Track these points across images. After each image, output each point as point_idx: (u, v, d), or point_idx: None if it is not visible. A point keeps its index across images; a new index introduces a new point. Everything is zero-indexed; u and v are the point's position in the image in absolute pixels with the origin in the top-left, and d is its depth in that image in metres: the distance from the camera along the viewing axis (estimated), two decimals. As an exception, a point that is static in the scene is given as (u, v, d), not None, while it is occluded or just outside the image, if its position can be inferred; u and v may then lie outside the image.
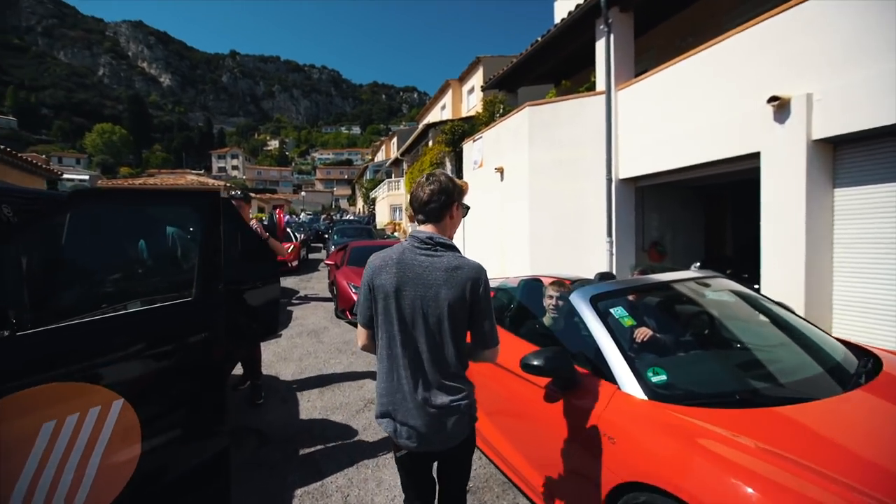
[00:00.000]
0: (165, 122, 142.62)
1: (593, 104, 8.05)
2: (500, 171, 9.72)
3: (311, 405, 3.64)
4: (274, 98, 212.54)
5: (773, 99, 4.95)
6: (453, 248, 1.61)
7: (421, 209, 1.63)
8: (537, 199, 8.58)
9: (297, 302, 8.22)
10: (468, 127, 13.17)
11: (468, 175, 12.02)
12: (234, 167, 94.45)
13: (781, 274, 4.87)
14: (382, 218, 27.97)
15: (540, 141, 8.51)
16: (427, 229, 1.62)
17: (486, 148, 10.76)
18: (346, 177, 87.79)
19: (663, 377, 1.86)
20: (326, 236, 15.33)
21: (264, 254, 3.37)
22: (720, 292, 2.81)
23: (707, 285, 2.77)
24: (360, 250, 8.02)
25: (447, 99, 25.82)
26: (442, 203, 1.60)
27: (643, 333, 2.27)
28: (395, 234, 23.15)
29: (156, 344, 1.86)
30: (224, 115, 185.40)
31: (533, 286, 3.05)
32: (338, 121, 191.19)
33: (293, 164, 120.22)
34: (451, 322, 1.51)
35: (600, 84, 8.08)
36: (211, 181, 22.77)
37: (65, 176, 22.53)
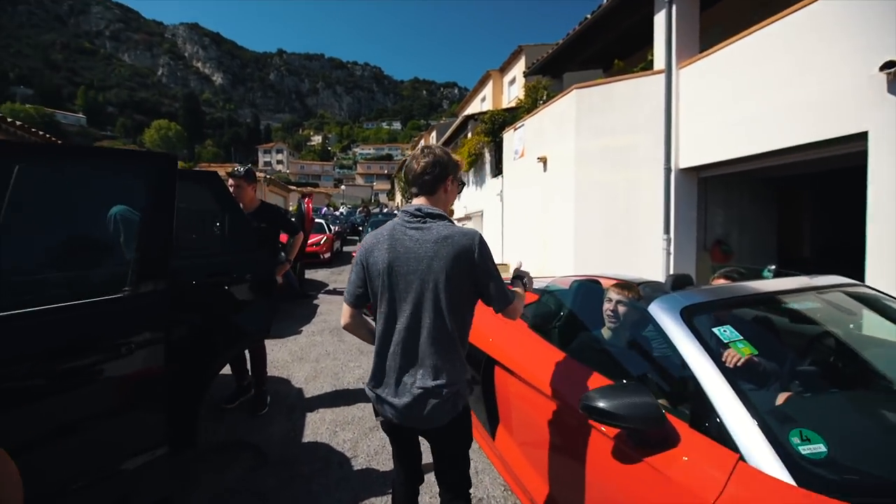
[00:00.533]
0: (217, 118, 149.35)
1: (650, 85, 7.17)
2: (543, 160, 8.98)
3: (320, 418, 3.17)
4: (318, 95, 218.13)
5: (888, 65, 4.01)
6: (443, 218, 1.55)
7: (414, 181, 1.58)
8: (584, 191, 7.79)
9: (324, 294, 7.87)
10: (509, 116, 12.43)
11: (508, 166, 11.32)
12: (279, 161, 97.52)
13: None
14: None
15: (588, 127, 7.71)
16: (418, 202, 1.58)
17: (527, 137, 10.03)
18: (385, 171, 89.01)
19: (820, 447, 1.13)
20: (361, 229, 15.07)
21: (255, 241, 2.79)
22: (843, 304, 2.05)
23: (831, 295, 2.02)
24: None
25: (487, 90, 25.05)
26: (436, 175, 1.57)
27: (734, 357, 1.56)
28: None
29: (54, 356, 1.38)
30: (271, 112, 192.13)
31: (590, 289, 2.38)
32: (379, 116, 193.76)
33: (335, 159, 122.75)
34: (448, 295, 1.45)
35: (659, 62, 7.18)
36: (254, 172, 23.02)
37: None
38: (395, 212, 30.95)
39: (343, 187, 79.65)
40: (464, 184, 1.77)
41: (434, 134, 39.30)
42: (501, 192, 11.70)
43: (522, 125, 10.29)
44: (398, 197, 45.68)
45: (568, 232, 8.09)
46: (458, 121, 22.14)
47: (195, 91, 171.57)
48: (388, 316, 1.50)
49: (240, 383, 3.44)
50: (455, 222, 1.58)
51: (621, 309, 2.09)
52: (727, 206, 7.54)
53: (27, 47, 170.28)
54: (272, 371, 3.99)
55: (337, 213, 23.47)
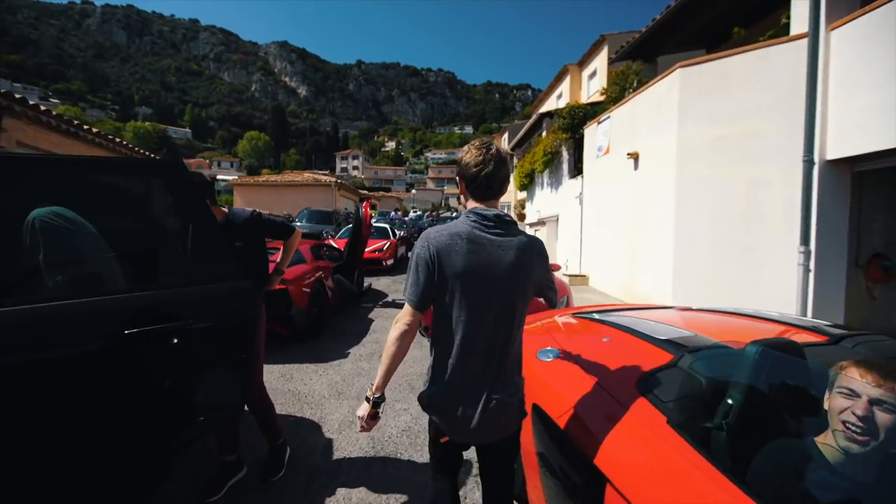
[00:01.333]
0: (300, 128, 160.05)
1: (783, 55, 5.66)
2: (634, 157, 7.68)
3: (346, 496, 2.36)
4: (393, 102, 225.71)
5: None
6: (516, 224, 1.50)
7: (490, 183, 1.44)
8: (688, 192, 6.42)
9: (381, 308, 7.26)
10: (591, 110, 11.15)
11: (590, 165, 10.04)
12: (355, 167, 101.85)
13: None
14: (488, 216, 26.71)
15: (695, 113, 6.34)
16: (487, 206, 1.47)
17: (614, 130, 8.74)
18: (456, 176, 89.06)
19: None
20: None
21: (232, 265, 1.86)
22: None
23: None
24: None
25: (564, 86, 23.52)
26: (504, 175, 1.47)
27: None
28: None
29: None
30: (349, 120, 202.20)
31: (788, 364, 1.33)
32: (451, 121, 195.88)
33: (407, 164, 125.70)
34: (524, 303, 1.46)
35: (798, 25, 5.66)
36: (324, 177, 23.70)
37: (218, 177, 25.75)
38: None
39: (414, 191, 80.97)
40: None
41: (506, 136, 38.19)
42: (581, 194, 10.44)
43: (608, 117, 9.00)
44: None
45: (665, 241, 6.74)
46: (532, 119, 20.92)
47: (282, 103, 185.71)
48: (467, 325, 1.39)
49: (224, 458, 2.42)
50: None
51: (883, 417, 1.05)
52: (891, 210, 5.78)
53: (149, 72, 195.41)
54: (304, 410, 3.33)
55: (406, 217, 23.25)
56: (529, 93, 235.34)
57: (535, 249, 1.46)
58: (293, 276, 5.01)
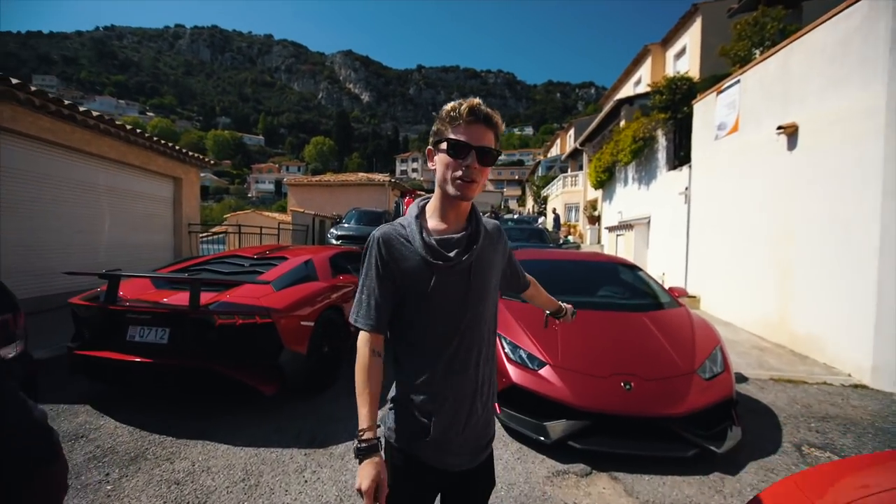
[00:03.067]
0: (363, 132, 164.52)
1: None
2: (790, 131, 5.31)
3: None
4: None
5: None
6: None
7: None
8: (909, 178, 4.03)
9: None
10: (699, 84, 8.73)
11: (704, 150, 7.64)
12: (414, 170, 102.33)
13: None
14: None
15: (927, 51, 3.95)
16: None
17: (746, 99, 6.36)
18: (516, 177, 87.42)
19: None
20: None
21: None
22: None
23: None
24: (528, 266, 4.85)
25: (644, 70, 20.66)
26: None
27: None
28: (570, 238, 19.25)
29: None
30: (409, 124, 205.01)
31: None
32: (511, 122, 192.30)
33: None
34: (494, 296, 1.25)
35: None
36: (378, 176, 22.60)
37: (285, 180, 25.72)
38: (526, 217, 28.03)
39: (473, 193, 79.09)
40: (453, 141, 1.10)
41: (572, 132, 35.32)
42: (687, 188, 8.05)
43: (735, 82, 6.61)
44: (529, 202, 42.52)
45: (861, 256, 4.37)
46: (607, 107, 18.34)
47: (346, 110, 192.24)
48: (443, 335, 1.14)
49: None
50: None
51: None
52: None
53: (228, 85, 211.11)
54: None
55: None
56: (593, 91, 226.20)
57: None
58: (286, 302, 3.37)
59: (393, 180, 22.71)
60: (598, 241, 17.40)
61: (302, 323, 3.44)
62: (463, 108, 1.10)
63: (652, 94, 9.53)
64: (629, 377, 2.89)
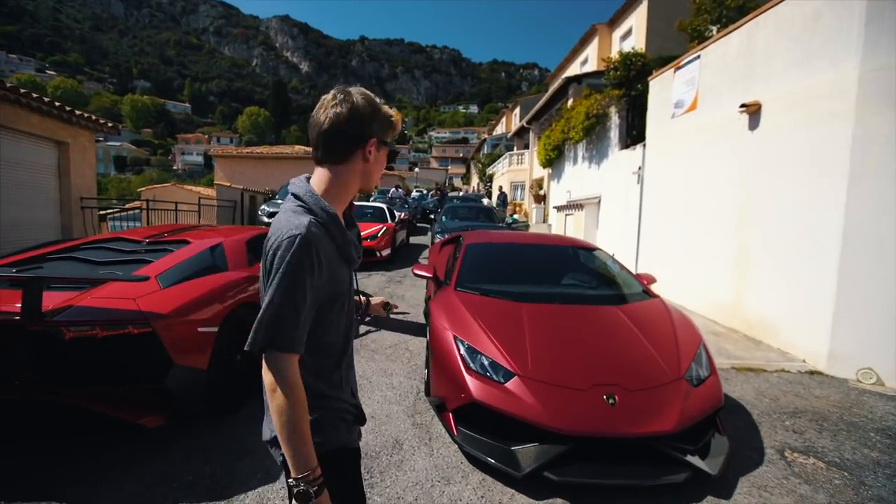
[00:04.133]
0: (302, 104, 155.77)
1: None
2: (752, 110, 5.09)
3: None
4: (397, 79, 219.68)
5: None
6: (304, 203, 1.07)
7: (317, 141, 1.08)
8: (875, 161, 3.88)
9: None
10: (653, 60, 8.49)
11: (659, 130, 7.42)
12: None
13: None
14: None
15: (903, 25, 3.74)
16: (308, 179, 1.14)
17: (707, 76, 6.11)
18: (461, 155, 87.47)
19: None
20: (433, 217, 11.93)
21: None
22: None
23: None
24: (482, 251, 4.22)
25: (591, 50, 20.63)
26: (350, 135, 1.07)
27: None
28: (516, 216, 19.09)
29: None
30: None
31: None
32: (456, 100, 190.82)
33: (410, 143, 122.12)
34: None
35: None
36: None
37: (210, 151, 23.24)
38: (472, 195, 27.58)
39: (417, 170, 78.09)
40: (397, 152, 1.29)
41: (518, 110, 35.14)
42: (640, 168, 7.85)
43: (694, 58, 6.35)
44: (474, 180, 42.23)
45: (818, 242, 4.24)
46: (555, 85, 18.10)
47: (283, 79, 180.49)
48: (346, 330, 1.18)
49: None
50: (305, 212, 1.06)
51: None
52: None
53: (147, 45, 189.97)
54: None
55: (400, 195, 20.34)
56: (536, 72, 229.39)
57: (271, 236, 1.09)
58: (175, 303, 2.55)
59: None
60: (545, 221, 17.37)
61: (200, 329, 2.63)
62: (399, 121, 1.17)
63: (606, 70, 9.20)
64: (611, 388, 2.42)
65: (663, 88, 7.21)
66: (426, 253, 10.73)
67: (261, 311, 0.97)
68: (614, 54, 8.97)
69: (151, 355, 2.37)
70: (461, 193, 31.70)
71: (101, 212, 13.42)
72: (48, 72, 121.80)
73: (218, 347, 2.74)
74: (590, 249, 4.38)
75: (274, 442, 1.02)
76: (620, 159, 8.94)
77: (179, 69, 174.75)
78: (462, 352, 2.71)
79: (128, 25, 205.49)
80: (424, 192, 33.69)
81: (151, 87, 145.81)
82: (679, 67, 6.73)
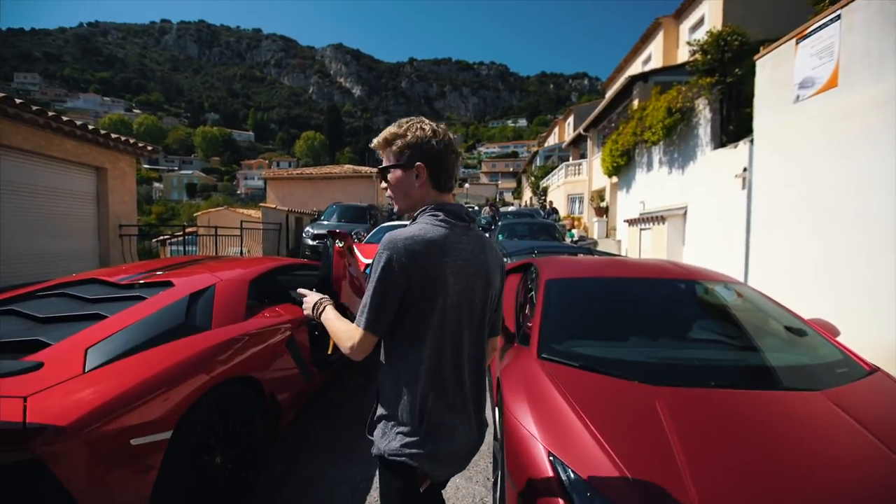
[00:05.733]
0: (355, 127, 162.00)
1: None
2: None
3: None
4: (445, 98, 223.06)
5: None
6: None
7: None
8: None
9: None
10: (752, 37, 6.95)
11: (776, 119, 5.86)
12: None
13: None
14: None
15: None
16: (450, 199, 1.26)
17: (854, 40, 4.58)
18: (511, 169, 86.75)
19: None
20: (488, 235, 10.78)
21: None
22: None
23: None
24: (570, 290, 2.83)
25: (654, 46, 18.88)
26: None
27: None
28: (574, 232, 17.49)
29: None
30: (402, 117, 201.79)
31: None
32: (504, 115, 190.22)
33: (461, 159, 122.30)
34: (490, 316, 1.28)
35: None
36: (365, 168, 20.76)
37: (262, 174, 23.83)
38: (526, 209, 26.07)
39: (467, 186, 77.64)
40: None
41: (572, 119, 33.51)
42: (748, 169, 6.29)
43: (833, 18, 4.84)
44: (527, 194, 40.66)
45: None
46: (618, 84, 16.51)
47: (337, 104, 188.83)
48: (443, 345, 1.17)
49: None
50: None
51: None
52: None
53: (217, 81, 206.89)
54: None
55: None
56: (586, 82, 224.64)
57: (496, 253, 1.28)
58: (93, 401, 1.56)
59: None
60: (607, 236, 15.69)
61: (136, 441, 1.64)
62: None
63: (691, 54, 7.69)
64: None
65: (779, 66, 5.68)
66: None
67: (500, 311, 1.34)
68: (707, 33, 7.44)
69: (37, 496, 1.40)
70: (512, 208, 30.35)
71: (157, 238, 13.66)
72: (135, 110, 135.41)
73: (171, 464, 1.74)
74: (724, 283, 3.01)
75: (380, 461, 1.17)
76: (714, 161, 7.37)
77: (244, 100, 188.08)
78: (567, 484, 1.52)
79: (200, 64, 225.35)
80: (476, 207, 32.72)
81: (220, 118, 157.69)
82: (803, 37, 5.22)
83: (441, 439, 1.15)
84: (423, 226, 1.14)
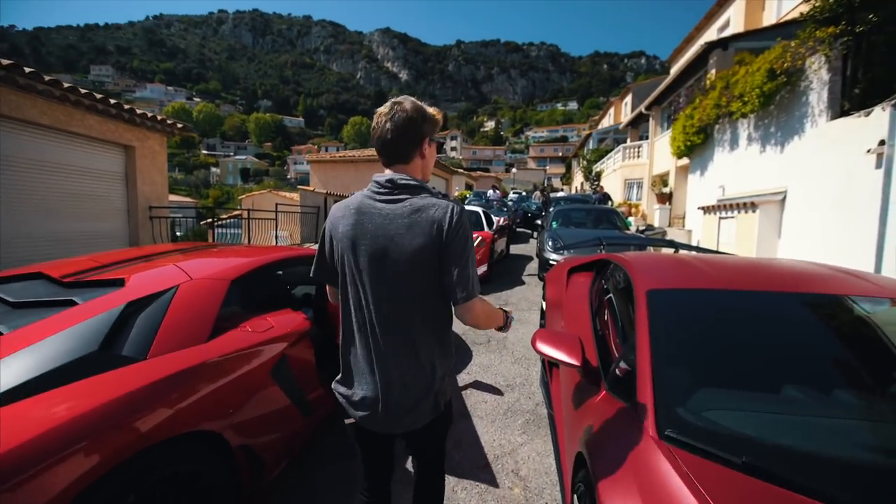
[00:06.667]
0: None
1: None
2: None
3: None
4: (492, 81, 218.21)
5: None
6: (422, 190, 1.29)
7: (383, 149, 1.31)
8: None
9: (472, 389, 2.99)
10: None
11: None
12: (453, 148, 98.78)
13: None
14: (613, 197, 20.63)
15: None
16: (389, 173, 1.32)
17: None
18: (559, 154, 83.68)
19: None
20: (539, 222, 9.59)
21: None
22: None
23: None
24: (687, 313, 1.84)
25: (733, 10, 16.69)
26: (409, 139, 1.29)
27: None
28: (630, 219, 15.91)
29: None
30: (448, 101, 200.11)
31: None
32: (554, 97, 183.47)
33: (507, 144, 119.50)
34: (420, 279, 1.25)
35: None
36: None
37: (306, 157, 23.79)
38: (578, 195, 24.34)
39: (514, 171, 75.59)
40: (442, 143, 1.53)
41: (629, 99, 31.05)
42: (891, 141, 4.87)
43: None
44: (577, 179, 38.55)
45: None
46: (689, 54, 14.59)
47: (384, 89, 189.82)
48: (356, 303, 1.29)
49: None
50: (438, 194, 1.30)
51: None
52: None
53: (270, 69, 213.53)
54: None
55: (496, 196, 17.95)
56: (643, 61, 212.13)
57: (431, 215, 1.22)
58: None
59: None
60: (670, 225, 14.07)
61: None
62: (441, 118, 1.37)
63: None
64: None
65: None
66: (531, 267, 8.56)
67: (469, 269, 1.24)
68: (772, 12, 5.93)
69: None
70: (561, 194, 28.64)
71: (209, 221, 13.64)
72: (195, 99, 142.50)
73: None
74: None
75: (437, 386, 1.31)
76: (832, 133, 5.90)
77: (295, 87, 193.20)
78: None
79: (254, 52, 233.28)
80: (523, 193, 31.25)
81: (272, 105, 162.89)
82: None
83: (350, 385, 1.33)
84: (357, 193, 1.34)
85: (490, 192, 17.63)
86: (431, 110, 1.33)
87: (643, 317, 1.79)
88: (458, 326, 4.85)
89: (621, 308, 2.33)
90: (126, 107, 6.39)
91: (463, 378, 3.67)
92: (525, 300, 6.19)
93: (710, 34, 17.98)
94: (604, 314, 2.58)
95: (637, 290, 2.00)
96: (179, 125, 7.63)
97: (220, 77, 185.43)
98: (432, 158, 1.38)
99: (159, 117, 7.13)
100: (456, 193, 23.67)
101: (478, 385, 3.53)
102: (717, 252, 4.20)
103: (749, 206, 7.38)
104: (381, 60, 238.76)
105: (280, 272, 2.89)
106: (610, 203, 18.24)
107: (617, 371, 1.77)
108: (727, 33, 16.08)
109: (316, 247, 1.50)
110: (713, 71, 11.72)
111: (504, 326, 1.47)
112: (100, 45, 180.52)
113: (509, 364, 3.96)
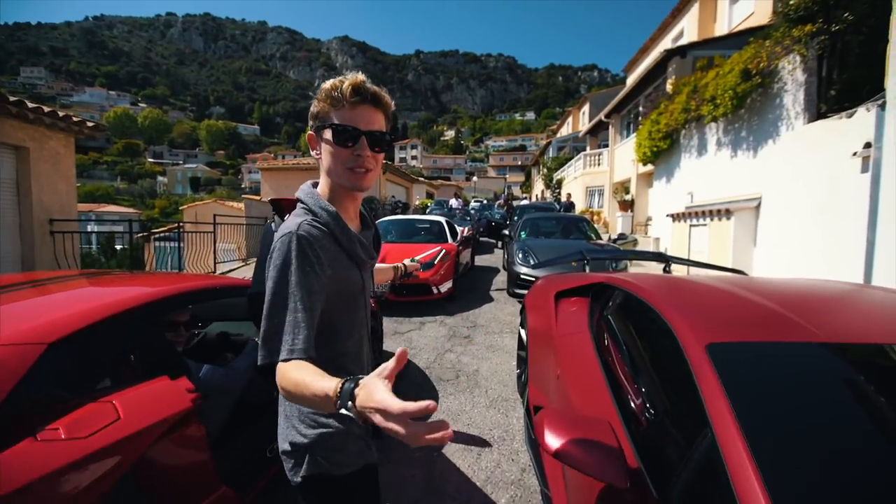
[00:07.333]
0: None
1: None
2: None
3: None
4: (452, 90, 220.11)
5: None
6: (305, 204, 1.04)
7: None
8: None
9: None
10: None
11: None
12: (413, 157, 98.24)
13: None
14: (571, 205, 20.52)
15: None
16: (315, 184, 1.13)
17: None
18: (518, 163, 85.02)
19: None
20: (507, 231, 9.05)
21: None
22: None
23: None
24: (778, 381, 1.19)
25: (688, 21, 17.03)
26: (313, 132, 1.04)
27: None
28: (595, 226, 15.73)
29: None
30: (408, 111, 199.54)
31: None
32: (512, 108, 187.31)
33: (467, 153, 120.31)
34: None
35: None
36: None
37: (255, 165, 22.30)
38: (543, 203, 24.17)
39: (475, 179, 75.95)
40: (343, 129, 0.97)
41: (587, 108, 31.55)
42: (877, 143, 4.58)
43: None
44: (537, 187, 38.75)
45: None
46: (648, 60, 14.62)
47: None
48: (358, 339, 1.11)
49: None
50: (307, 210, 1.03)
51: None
52: None
53: (222, 74, 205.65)
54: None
55: (458, 206, 17.34)
56: (596, 73, 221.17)
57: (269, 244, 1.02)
58: None
59: (388, 163, 19.20)
60: (632, 232, 13.96)
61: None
62: (346, 86, 0.95)
63: None
64: None
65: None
66: (498, 281, 7.92)
67: (262, 326, 0.91)
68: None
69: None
70: (524, 202, 28.51)
71: (143, 234, 12.23)
72: (140, 104, 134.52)
73: None
74: None
75: (286, 452, 1.01)
76: (812, 136, 5.64)
77: (250, 94, 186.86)
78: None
79: (206, 57, 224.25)
80: (484, 201, 30.95)
81: (225, 112, 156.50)
82: None
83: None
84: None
85: (453, 201, 17.00)
86: (327, 84, 1.00)
87: (714, 389, 1.11)
88: (421, 359, 4.06)
89: (650, 358, 1.67)
90: (12, 99, 5.24)
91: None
92: (496, 320, 5.50)
93: (665, 44, 18.31)
94: (617, 358, 1.91)
95: (686, 341, 1.33)
96: (90, 123, 6.48)
97: (168, 82, 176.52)
98: (331, 151, 0.99)
99: (61, 113, 5.97)
100: (417, 202, 22.93)
101: (459, 437, 2.78)
102: (720, 268, 3.66)
103: (723, 212, 7.09)
104: (339, 69, 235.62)
105: (172, 313, 2.04)
106: (573, 211, 18.09)
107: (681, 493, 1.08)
108: (681, 43, 16.38)
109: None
110: (672, 78, 11.69)
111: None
112: (31, 46, 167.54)
113: (483, 408, 3.23)
